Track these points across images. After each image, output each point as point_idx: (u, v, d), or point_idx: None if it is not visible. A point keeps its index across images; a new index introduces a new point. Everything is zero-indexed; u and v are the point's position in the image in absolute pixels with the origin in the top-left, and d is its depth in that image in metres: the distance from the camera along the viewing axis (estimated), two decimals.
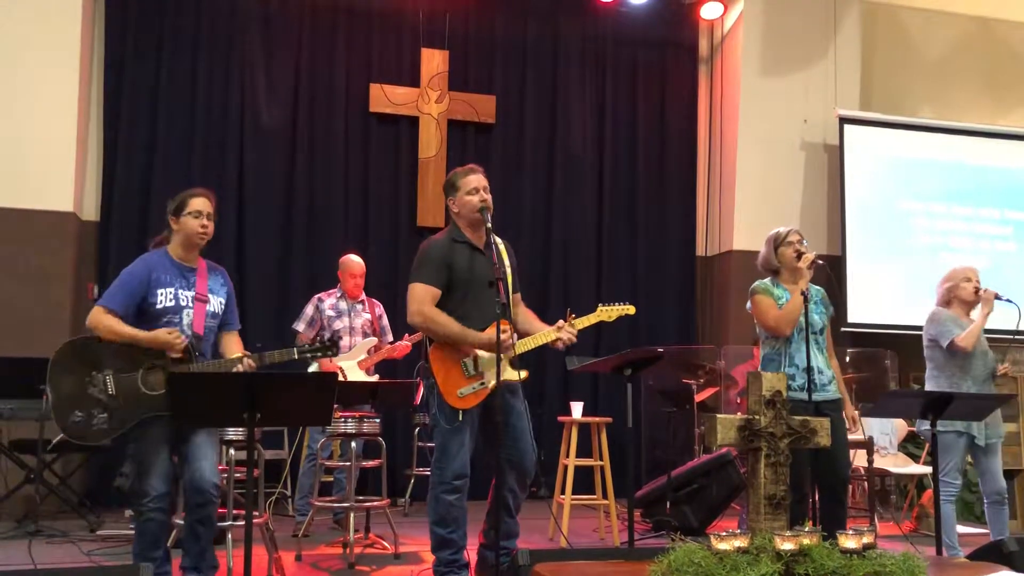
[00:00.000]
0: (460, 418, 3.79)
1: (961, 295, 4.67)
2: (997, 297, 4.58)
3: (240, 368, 3.54)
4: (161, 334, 3.51)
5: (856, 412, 4.52)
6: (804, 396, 4.02)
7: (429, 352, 3.88)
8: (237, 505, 4.36)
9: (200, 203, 3.67)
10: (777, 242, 4.28)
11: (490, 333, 3.66)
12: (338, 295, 5.89)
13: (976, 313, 4.66)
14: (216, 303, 3.72)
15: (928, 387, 4.69)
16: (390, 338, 5.99)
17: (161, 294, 3.60)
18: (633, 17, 8.23)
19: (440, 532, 3.83)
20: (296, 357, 3.69)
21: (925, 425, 4.51)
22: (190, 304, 3.63)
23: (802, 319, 4.12)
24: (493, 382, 3.74)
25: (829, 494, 4.14)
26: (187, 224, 3.65)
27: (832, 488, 4.14)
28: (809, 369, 4.07)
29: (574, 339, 3.96)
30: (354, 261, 5.92)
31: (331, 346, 3.80)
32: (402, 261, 7.31)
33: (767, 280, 4.28)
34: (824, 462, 4.05)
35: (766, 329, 4.21)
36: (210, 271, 3.78)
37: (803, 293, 4.08)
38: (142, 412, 3.50)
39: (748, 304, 4.29)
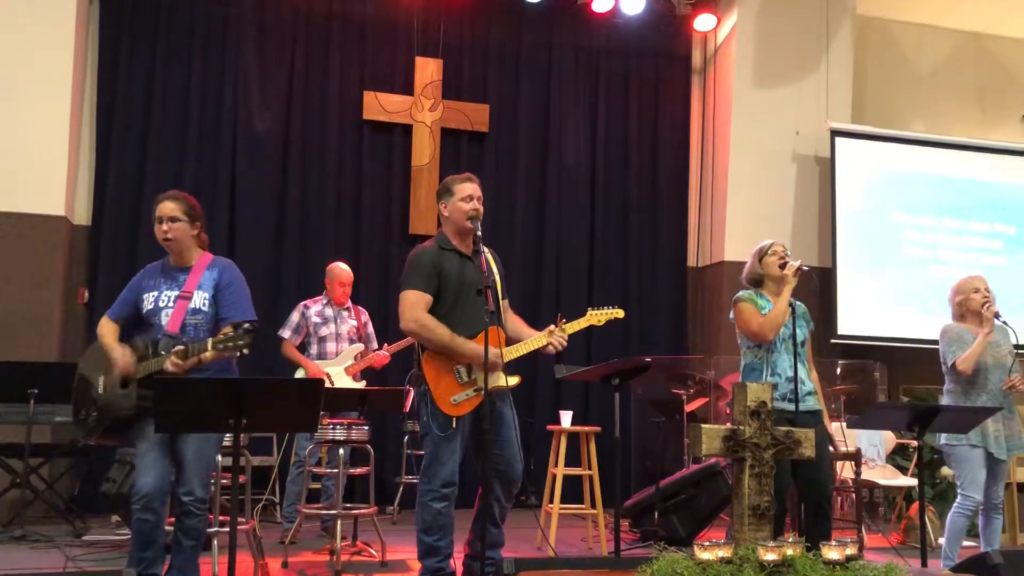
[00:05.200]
0: (453, 425, 3.80)
1: (972, 307, 4.65)
2: (996, 316, 4.56)
3: (166, 366, 3.45)
4: (116, 352, 3.62)
5: (832, 425, 4.54)
6: (787, 406, 4.04)
7: (422, 359, 3.87)
8: (223, 511, 4.34)
9: (160, 208, 3.71)
10: (761, 253, 4.36)
11: (479, 345, 3.67)
12: (324, 302, 5.88)
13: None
14: (199, 299, 3.66)
15: (944, 401, 4.70)
16: (375, 345, 5.98)
17: (146, 299, 3.71)
18: (627, 28, 8.25)
19: (427, 540, 3.82)
20: (209, 348, 3.40)
21: (943, 439, 4.53)
22: (170, 304, 3.65)
23: (786, 329, 4.15)
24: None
25: (814, 508, 4.15)
26: (156, 231, 3.72)
27: (816, 502, 4.14)
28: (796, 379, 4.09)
29: (564, 344, 3.97)
30: (342, 269, 5.92)
31: (243, 336, 3.37)
32: (394, 269, 7.30)
33: (751, 291, 4.33)
34: (807, 475, 4.06)
35: (749, 335, 4.25)
36: (209, 267, 3.74)
37: (790, 304, 4.12)
38: (115, 410, 3.60)
39: (731, 313, 4.33)
